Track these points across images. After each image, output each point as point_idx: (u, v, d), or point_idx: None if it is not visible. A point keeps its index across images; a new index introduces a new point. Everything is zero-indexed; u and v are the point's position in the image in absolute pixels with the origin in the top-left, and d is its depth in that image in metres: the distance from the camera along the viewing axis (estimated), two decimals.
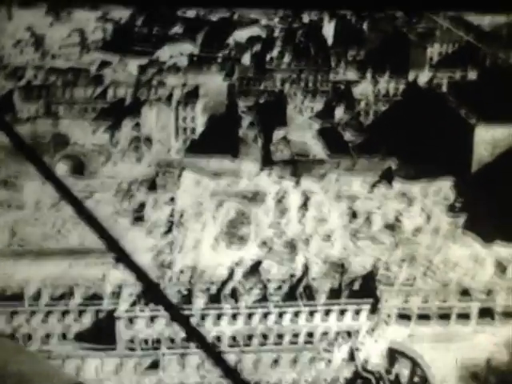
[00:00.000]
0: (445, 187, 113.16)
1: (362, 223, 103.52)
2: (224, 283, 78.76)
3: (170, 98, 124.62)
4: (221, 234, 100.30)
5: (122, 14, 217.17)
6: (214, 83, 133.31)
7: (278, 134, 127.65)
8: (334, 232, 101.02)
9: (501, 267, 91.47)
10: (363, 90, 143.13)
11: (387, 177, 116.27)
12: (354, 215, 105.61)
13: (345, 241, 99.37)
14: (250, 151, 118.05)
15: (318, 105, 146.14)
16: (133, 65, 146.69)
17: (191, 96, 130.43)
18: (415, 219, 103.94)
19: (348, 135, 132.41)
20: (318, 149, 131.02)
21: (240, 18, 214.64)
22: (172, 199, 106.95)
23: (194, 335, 5.73)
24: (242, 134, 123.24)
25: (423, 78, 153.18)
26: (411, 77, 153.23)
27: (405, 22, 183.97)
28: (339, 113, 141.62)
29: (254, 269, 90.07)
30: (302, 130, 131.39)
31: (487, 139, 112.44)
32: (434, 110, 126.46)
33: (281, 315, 75.25)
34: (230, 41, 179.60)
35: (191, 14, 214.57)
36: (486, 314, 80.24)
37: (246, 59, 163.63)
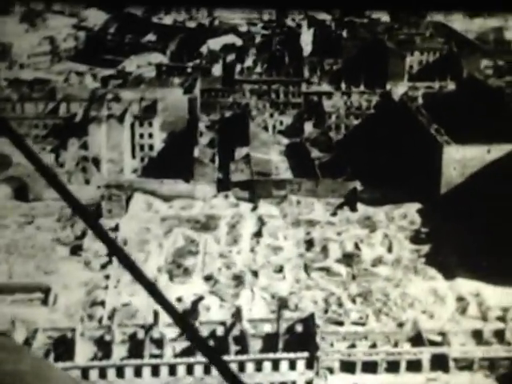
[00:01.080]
0: (412, 211, 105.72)
1: (319, 252, 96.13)
2: (150, 327, 71.48)
3: (123, 114, 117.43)
4: (165, 265, 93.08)
5: (97, 20, 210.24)
6: (173, 97, 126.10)
7: (240, 152, 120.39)
8: (288, 262, 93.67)
9: (462, 304, 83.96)
10: (335, 102, 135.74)
11: (351, 199, 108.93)
12: (311, 243, 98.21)
13: (298, 272, 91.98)
14: (205, 172, 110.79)
15: (288, 119, 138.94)
16: (89, 77, 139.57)
17: (149, 111, 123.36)
18: (376, 248, 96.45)
19: (316, 152, 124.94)
20: (282, 167, 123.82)
21: (220, 25, 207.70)
22: (117, 226, 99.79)
23: None
24: (200, 152, 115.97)
25: (402, 88, 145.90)
26: (389, 87, 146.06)
27: (386, 29, 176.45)
28: (309, 127, 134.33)
29: (193, 307, 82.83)
30: (267, 146, 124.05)
31: (457, 159, 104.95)
32: (404, 125, 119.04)
33: (208, 366, 67.92)
34: (204, 49, 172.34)
35: (168, 20, 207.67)
36: (440, 360, 72.68)
37: (218, 69, 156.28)
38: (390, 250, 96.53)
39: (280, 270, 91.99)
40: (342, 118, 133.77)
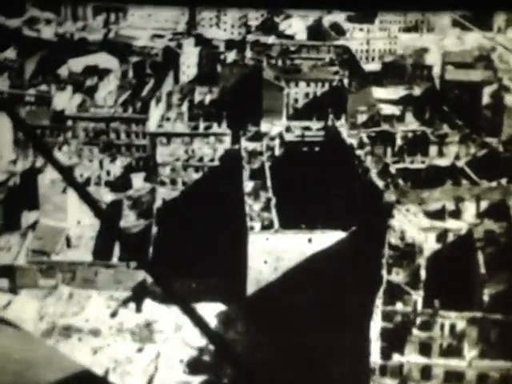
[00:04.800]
0: (209, 315, 79.46)
1: None
2: None
3: None
4: None
5: None
6: None
7: (27, 218, 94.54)
8: None
9: None
10: (174, 150, 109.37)
11: (139, 294, 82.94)
12: None
13: None
14: None
15: (118, 168, 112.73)
16: None
17: None
18: (129, 381, 70.30)
19: (130, 218, 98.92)
20: (86, 237, 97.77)
21: (116, 37, 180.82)
22: None
23: None
24: None
25: (277, 128, 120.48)
26: (265, 127, 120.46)
27: (282, 51, 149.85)
28: (138, 181, 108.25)
29: None
30: (63, 210, 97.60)
31: (268, 249, 78.66)
32: (230, 194, 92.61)
33: None
34: (64, 71, 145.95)
35: (47, 32, 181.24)
36: None
37: (63, 98, 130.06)
38: (151, 379, 70.37)
39: None
40: (179, 171, 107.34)
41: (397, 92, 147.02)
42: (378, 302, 62.57)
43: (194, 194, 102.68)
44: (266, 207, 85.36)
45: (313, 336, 71.95)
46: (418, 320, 60.27)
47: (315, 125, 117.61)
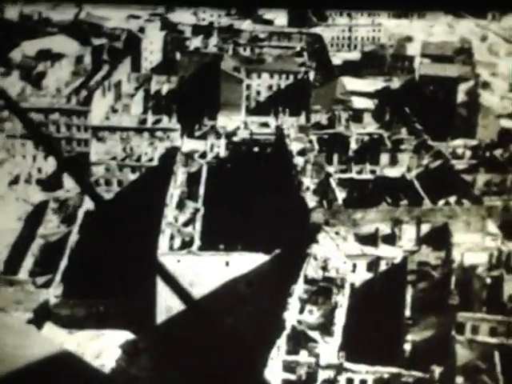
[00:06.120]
0: (113, 345, 70.42)
1: None
2: None
3: None
4: None
5: None
6: None
7: None
8: None
9: None
10: (110, 147, 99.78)
11: (41, 316, 73.84)
12: None
13: None
14: None
15: (50, 166, 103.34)
16: None
17: None
18: None
19: (53, 224, 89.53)
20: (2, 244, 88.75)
21: (88, 17, 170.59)
22: None
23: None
24: None
25: (233, 123, 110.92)
26: (221, 122, 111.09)
27: (252, 38, 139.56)
28: (69, 181, 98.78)
29: None
30: None
31: (179, 272, 68.97)
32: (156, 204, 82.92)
33: None
34: (17, 54, 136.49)
35: (11, 12, 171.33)
36: None
37: (6, 85, 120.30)
38: None
39: None
40: (114, 171, 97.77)
41: (374, 84, 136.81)
42: (281, 349, 53.21)
43: (126, 198, 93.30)
44: (191, 220, 75.88)
45: (222, 376, 62.73)
46: (322, 375, 50.79)
47: (274, 121, 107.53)
